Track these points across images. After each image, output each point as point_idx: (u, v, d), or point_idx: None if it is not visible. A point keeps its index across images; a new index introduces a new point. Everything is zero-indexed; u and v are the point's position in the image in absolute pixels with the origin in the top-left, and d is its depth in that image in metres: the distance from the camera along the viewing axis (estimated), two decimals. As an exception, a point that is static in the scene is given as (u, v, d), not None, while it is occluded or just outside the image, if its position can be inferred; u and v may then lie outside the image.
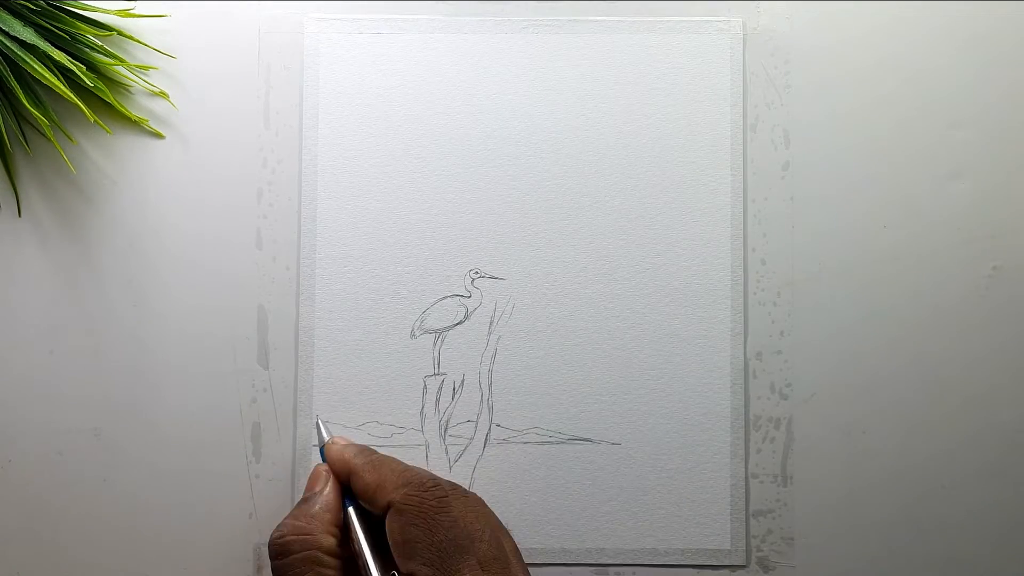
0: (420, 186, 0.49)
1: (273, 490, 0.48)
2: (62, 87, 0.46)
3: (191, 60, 0.50)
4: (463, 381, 0.49)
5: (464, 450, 0.49)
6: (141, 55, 0.49)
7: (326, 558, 0.41)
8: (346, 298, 0.49)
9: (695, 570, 0.48)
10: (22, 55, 0.46)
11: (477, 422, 0.49)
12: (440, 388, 0.49)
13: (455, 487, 0.42)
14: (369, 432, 0.48)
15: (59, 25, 0.47)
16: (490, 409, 0.49)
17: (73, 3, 0.48)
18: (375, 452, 0.45)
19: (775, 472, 0.48)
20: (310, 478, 0.45)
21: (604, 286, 0.49)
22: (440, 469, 0.48)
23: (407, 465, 0.43)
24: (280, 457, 0.49)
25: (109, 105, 0.48)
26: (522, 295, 0.49)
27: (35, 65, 0.46)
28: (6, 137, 0.48)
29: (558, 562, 0.48)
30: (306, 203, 0.49)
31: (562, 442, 0.48)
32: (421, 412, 0.49)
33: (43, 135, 0.49)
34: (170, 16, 0.49)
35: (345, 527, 0.43)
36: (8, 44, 0.46)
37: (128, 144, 0.50)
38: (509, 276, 0.49)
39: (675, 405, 0.49)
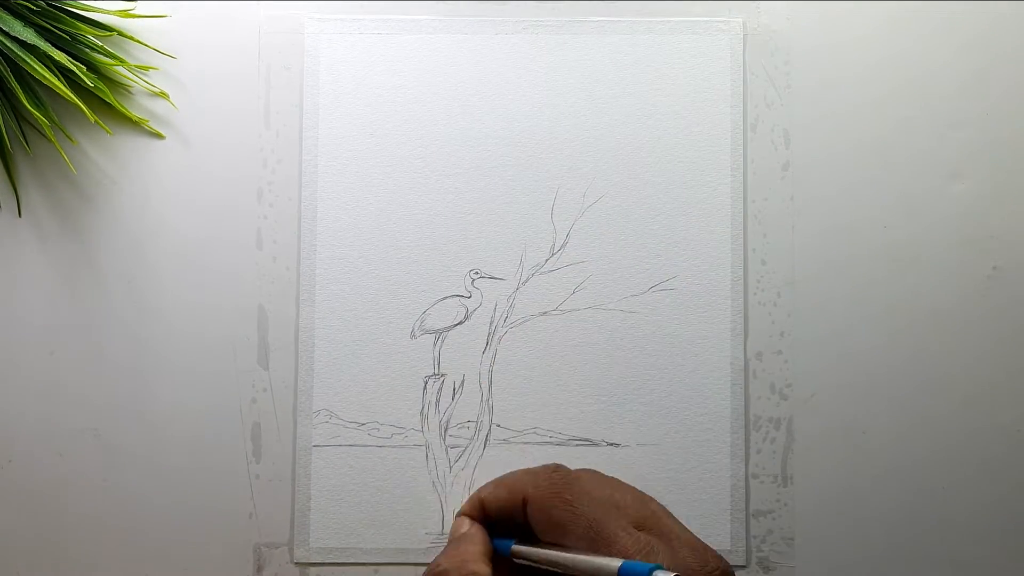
0: (420, 186, 0.49)
1: (273, 490, 0.49)
2: (62, 87, 0.46)
3: (191, 60, 0.50)
4: (463, 381, 0.49)
5: (464, 450, 0.49)
6: (141, 55, 0.49)
7: None
8: (346, 298, 0.49)
9: (695, 570, 0.48)
10: (22, 55, 0.46)
11: (477, 422, 0.49)
12: (440, 388, 0.49)
13: (577, 469, 0.42)
14: (369, 432, 0.48)
15: (59, 25, 0.47)
16: (490, 409, 0.49)
17: (73, 3, 0.48)
18: (495, 480, 0.45)
19: (775, 472, 0.48)
20: (451, 530, 0.45)
21: (604, 286, 0.49)
22: (440, 469, 0.48)
23: (524, 468, 0.43)
24: (280, 457, 0.49)
25: (109, 105, 0.48)
26: (522, 295, 0.49)
27: (35, 65, 0.46)
28: (6, 137, 0.48)
29: (558, 562, 0.48)
30: (306, 203, 0.49)
31: (562, 442, 0.48)
32: (421, 412, 0.49)
33: (43, 135, 0.49)
34: (170, 16, 0.49)
35: (496, 562, 0.42)
36: (8, 44, 0.46)
37: (128, 144, 0.50)
38: (509, 276, 0.49)
39: (675, 405, 0.49)
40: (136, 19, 0.49)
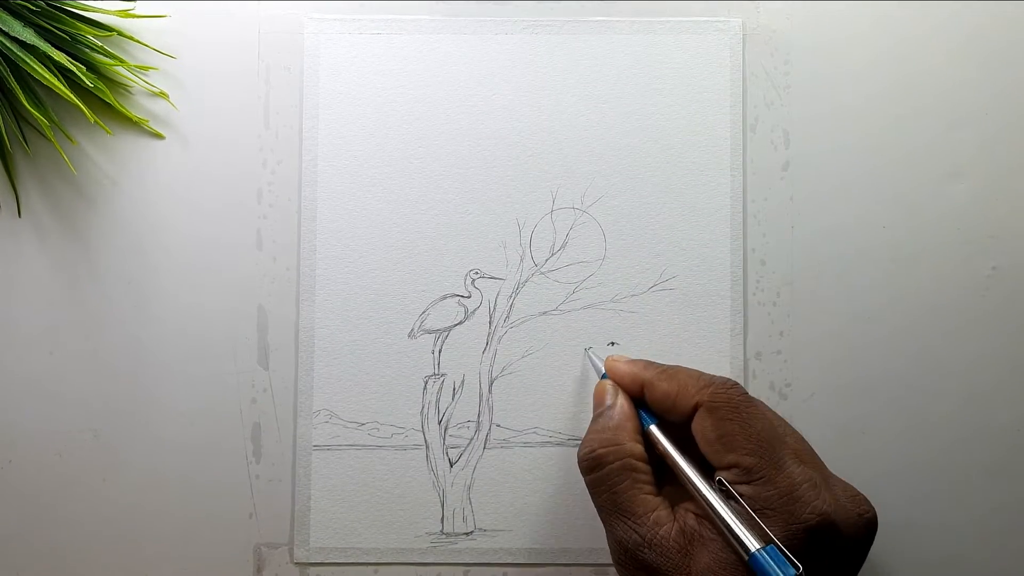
0: (420, 186, 0.49)
1: (273, 490, 0.49)
2: (62, 87, 0.46)
3: (191, 60, 0.50)
4: (463, 381, 0.49)
5: (464, 450, 0.49)
6: (141, 55, 0.49)
7: (639, 464, 0.41)
8: (346, 298, 0.49)
9: (695, 570, 0.48)
10: (22, 55, 0.46)
11: (477, 422, 0.49)
12: (440, 388, 0.49)
13: (749, 394, 0.42)
14: (369, 432, 0.48)
15: (59, 26, 0.47)
16: (490, 409, 0.49)
17: (73, 3, 0.48)
18: (660, 363, 0.44)
19: (775, 472, 0.48)
20: (596, 395, 0.44)
21: (604, 287, 0.49)
22: (440, 469, 0.48)
23: (697, 370, 0.43)
24: (280, 457, 0.49)
25: (109, 105, 0.48)
26: (522, 295, 0.49)
27: (35, 66, 0.46)
28: (6, 137, 0.48)
29: (558, 562, 0.48)
30: (306, 203, 0.49)
31: (562, 442, 0.48)
32: (421, 412, 0.49)
33: (43, 135, 0.49)
34: (170, 16, 0.49)
35: (644, 437, 0.43)
36: (8, 44, 0.46)
37: (128, 144, 0.50)
38: (509, 276, 0.49)
39: (675, 405, 0.49)
40: (136, 19, 0.49)
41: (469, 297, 0.49)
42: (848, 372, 0.49)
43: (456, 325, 0.49)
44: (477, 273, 0.49)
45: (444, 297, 0.49)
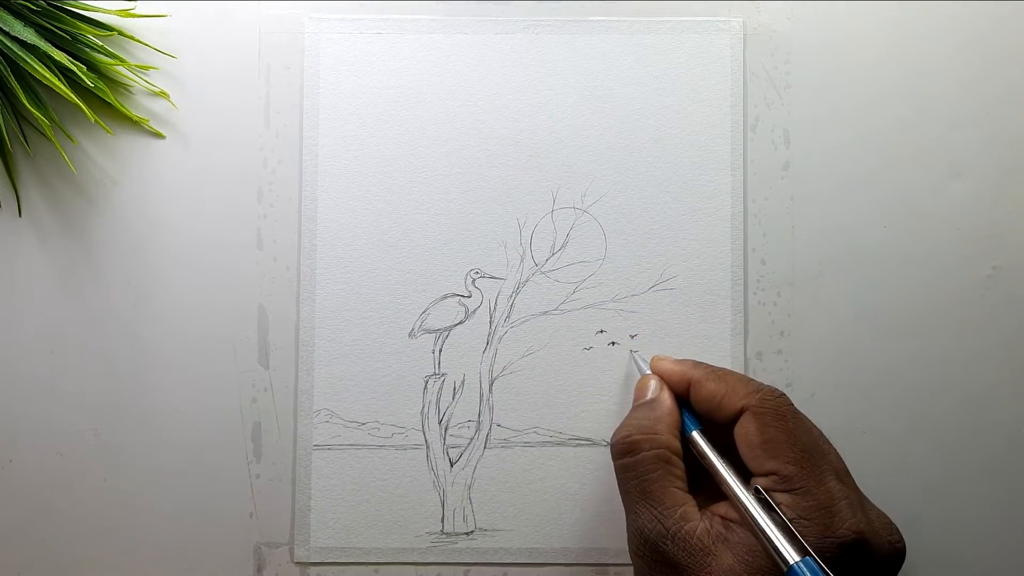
0: (420, 186, 0.49)
1: (273, 490, 0.49)
2: (63, 87, 0.46)
3: (191, 60, 0.50)
4: (463, 381, 0.49)
5: (464, 450, 0.49)
6: (142, 55, 0.49)
7: (674, 458, 0.41)
8: (346, 298, 0.49)
9: (695, 570, 0.48)
10: (23, 55, 0.46)
11: (478, 422, 0.49)
12: (440, 388, 0.49)
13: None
14: (369, 432, 0.48)
15: (60, 25, 0.47)
16: (490, 409, 0.49)
17: (73, 3, 0.48)
18: (708, 364, 0.44)
19: (775, 472, 0.48)
20: (638, 388, 0.44)
21: (605, 286, 0.49)
22: (440, 469, 0.48)
23: (746, 375, 0.43)
24: (280, 457, 0.49)
25: (110, 105, 0.48)
26: (523, 295, 0.49)
27: (36, 65, 0.46)
28: (6, 137, 0.48)
29: (558, 562, 0.48)
30: (306, 203, 0.49)
31: (562, 442, 0.48)
32: (421, 412, 0.49)
33: (43, 135, 0.49)
34: (170, 16, 0.49)
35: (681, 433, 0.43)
36: (8, 44, 0.46)
37: (129, 144, 0.50)
38: (509, 276, 0.49)
39: (675, 405, 0.48)
40: (136, 19, 0.49)
41: (469, 297, 0.49)
42: (848, 371, 0.49)
43: (456, 325, 0.49)
44: (477, 273, 0.49)
45: (444, 297, 0.49)
